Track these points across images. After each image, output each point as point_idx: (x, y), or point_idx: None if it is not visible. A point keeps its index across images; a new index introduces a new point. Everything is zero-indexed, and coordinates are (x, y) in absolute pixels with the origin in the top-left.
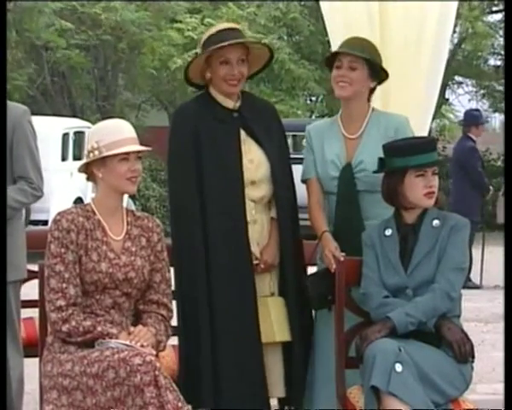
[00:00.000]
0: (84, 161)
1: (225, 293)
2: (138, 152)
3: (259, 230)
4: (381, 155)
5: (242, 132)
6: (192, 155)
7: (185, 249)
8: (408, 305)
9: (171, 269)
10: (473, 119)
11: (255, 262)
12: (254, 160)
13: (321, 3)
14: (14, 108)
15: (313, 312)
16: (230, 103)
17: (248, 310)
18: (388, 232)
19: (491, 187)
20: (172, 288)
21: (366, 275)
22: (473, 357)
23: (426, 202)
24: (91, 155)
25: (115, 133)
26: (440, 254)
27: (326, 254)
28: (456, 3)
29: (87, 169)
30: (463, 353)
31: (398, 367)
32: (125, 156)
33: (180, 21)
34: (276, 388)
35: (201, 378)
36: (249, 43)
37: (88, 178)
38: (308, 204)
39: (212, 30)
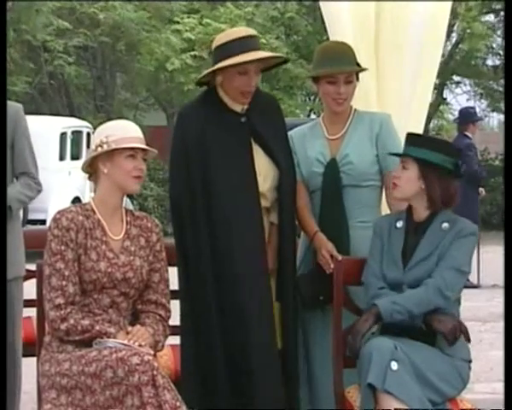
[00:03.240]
0: (92, 154)
1: (246, 300)
2: (144, 153)
3: None
4: (367, 150)
5: (252, 141)
6: (197, 160)
7: (191, 256)
8: (398, 295)
9: (170, 269)
10: (469, 116)
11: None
12: (262, 172)
13: (321, 4)
14: (11, 106)
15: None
16: (238, 107)
17: (268, 317)
18: (399, 224)
19: (481, 190)
20: (171, 288)
21: (369, 264)
22: (468, 340)
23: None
24: (99, 149)
25: (125, 131)
26: (441, 256)
27: (323, 254)
28: (450, 3)
29: (92, 165)
30: (458, 338)
31: (394, 365)
32: (132, 153)
33: (178, 22)
34: None
35: (212, 379)
36: (274, 59)
37: (89, 177)
38: (296, 207)
39: (232, 35)
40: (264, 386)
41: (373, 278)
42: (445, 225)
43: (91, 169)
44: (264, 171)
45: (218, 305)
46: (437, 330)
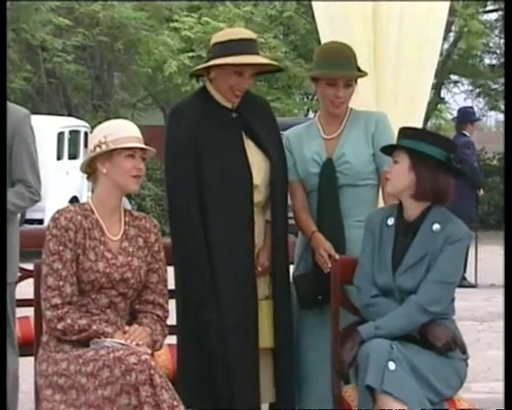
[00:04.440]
0: (90, 155)
1: (229, 296)
2: (143, 153)
3: (257, 232)
4: (363, 149)
5: (243, 135)
6: (191, 155)
7: (187, 250)
8: (381, 319)
9: (169, 268)
10: (468, 115)
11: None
12: (255, 164)
13: (313, 4)
14: (16, 110)
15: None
16: (229, 103)
17: (249, 313)
18: (390, 222)
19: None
20: (169, 287)
21: (361, 265)
22: (464, 352)
23: None
24: (98, 149)
25: (123, 130)
26: (430, 263)
27: (321, 254)
28: (448, 3)
29: (90, 165)
30: (454, 350)
31: (392, 365)
32: (131, 153)
33: (176, 20)
34: (267, 393)
35: (209, 379)
36: (269, 67)
37: (88, 177)
38: (293, 208)
39: (234, 34)
40: (242, 388)
41: (365, 283)
42: (436, 226)
43: (90, 169)
44: (257, 163)
45: (214, 303)
46: (431, 343)
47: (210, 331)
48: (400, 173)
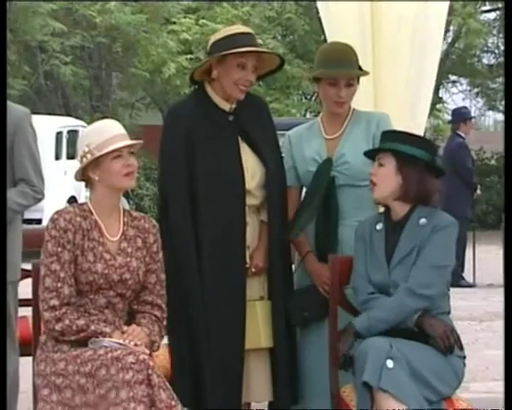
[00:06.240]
0: (78, 167)
1: (216, 295)
2: (131, 147)
3: (251, 232)
4: (363, 150)
5: (239, 139)
6: (185, 157)
7: (177, 249)
8: (373, 309)
9: None
10: (461, 115)
11: (246, 266)
12: (249, 168)
13: (318, 3)
14: (16, 109)
15: None
16: (227, 106)
17: (236, 313)
18: (379, 227)
19: (479, 186)
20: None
21: (355, 269)
22: (461, 348)
23: None
24: (84, 159)
25: (104, 133)
26: (419, 253)
27: (323, 288)
28: (447, 3)
29: (84, 174)
30: (448, 346)
31: (390, 364)
32: (117, 153)
33: (174, 23)
34: (263, 392)
35: (190, 377)
36: (270, 55)
37: (86, 185)
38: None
39: (231, 30)
40: (219, 388)
41: (361, 282)
42: (423, 220)
43: (85, 177)
44: (252, 168)
45: (200, 302)
46: (428, 334)
47: (193, 330)
48: (387, 176)
